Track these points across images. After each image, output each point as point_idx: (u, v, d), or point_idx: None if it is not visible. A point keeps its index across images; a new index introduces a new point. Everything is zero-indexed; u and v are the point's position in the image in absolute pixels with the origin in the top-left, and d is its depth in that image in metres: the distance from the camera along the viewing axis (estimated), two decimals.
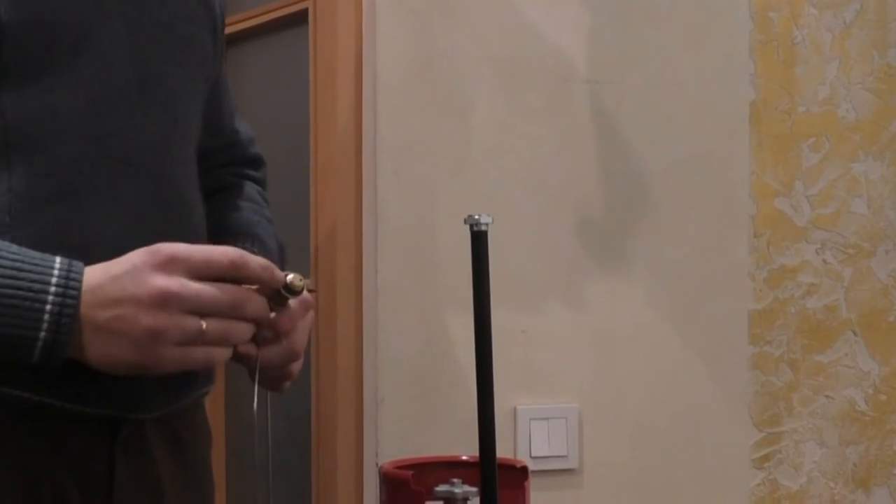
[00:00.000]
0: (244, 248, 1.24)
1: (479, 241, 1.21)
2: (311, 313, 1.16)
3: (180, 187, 1.17)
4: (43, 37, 1.03)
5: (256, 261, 1.01)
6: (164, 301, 0.96)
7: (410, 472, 1.31)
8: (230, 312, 1.00)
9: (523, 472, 1.36)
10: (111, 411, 1.08)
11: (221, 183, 1.36)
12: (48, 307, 0.94)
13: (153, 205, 1.11)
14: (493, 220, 1.23)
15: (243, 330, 1.02)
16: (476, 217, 1.21)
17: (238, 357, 1.11)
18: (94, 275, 0.97)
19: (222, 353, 1.02)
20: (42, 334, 0.94)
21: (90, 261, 1.00)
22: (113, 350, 0.97)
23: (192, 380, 1.18)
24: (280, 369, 1.14)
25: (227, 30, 2.14)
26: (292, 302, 1.07)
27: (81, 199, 1.05)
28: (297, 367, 1.17)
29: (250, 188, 1.40)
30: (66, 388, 1.03)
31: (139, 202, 1.10)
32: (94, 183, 1.06)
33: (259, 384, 1.13)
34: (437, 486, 1.29)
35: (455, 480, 1.29)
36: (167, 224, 1.12)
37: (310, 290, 1.85)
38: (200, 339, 0.99)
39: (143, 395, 1.10)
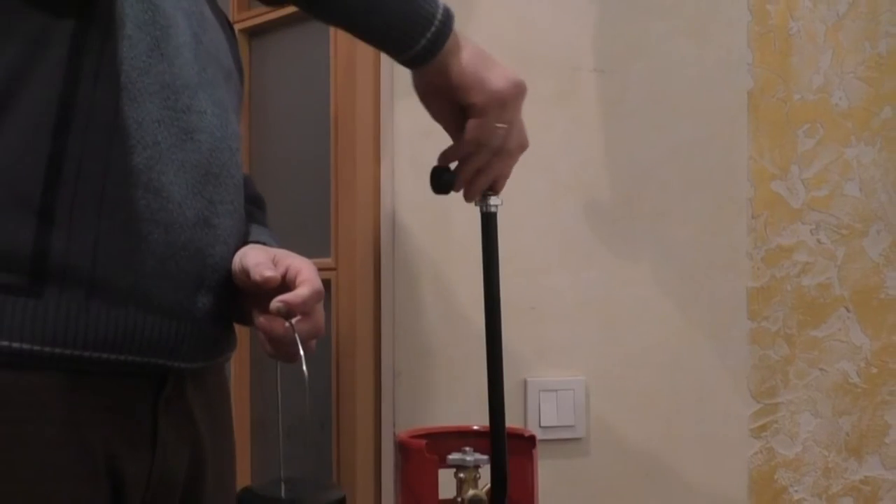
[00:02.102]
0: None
1: (489, 221, 1.19)
2: (320, 303, 1.23)
3: (230, 170, 1.24)
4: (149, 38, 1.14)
5: None
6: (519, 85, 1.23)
7: (425, 441, 1.30)
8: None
9: (531, 441, 1.34)
10: (155, 359, 1.12)
11: None
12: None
13: (208, 175, 1.18)
14: (502, 201, 1.21)
15: None
16: (487, 199, 1.19)
17: (274, 334, 1.15)
18: None
19: None
20: (440, 12, 1.14)
21: (165, 205, 1.12)
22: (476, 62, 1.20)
23: (225, 338, 1.24)
24: (305, 344, 1.19)
25: (252, 22, 2.13)
26: (306, 290, 1.16)
27: (163, 151, 1.12)
28: (314, 344, 1.24)
29: (262, 221, 1.45)
30: (111, 343, 1.07)
31: (198, 170, 1.17)
32: (170, 142, 1.14)
33: (281, 358, 1.16)
34: (449, 454, 1.28)
35: (467, 449, 1.28)
36: (217, 194, 1.20)
37: (330, 269, 1.86)
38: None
39: (183, 345, 1.15)
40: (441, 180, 1.26)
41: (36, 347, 1.04)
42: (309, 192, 2.00)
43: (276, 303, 1.15)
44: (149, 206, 1.10)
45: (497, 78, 1.21)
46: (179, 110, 1.16)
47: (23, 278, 1.04)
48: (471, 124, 1.21)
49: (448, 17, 1.16)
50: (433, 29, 1.14)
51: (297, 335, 1.15)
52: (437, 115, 1.26)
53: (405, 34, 1.13)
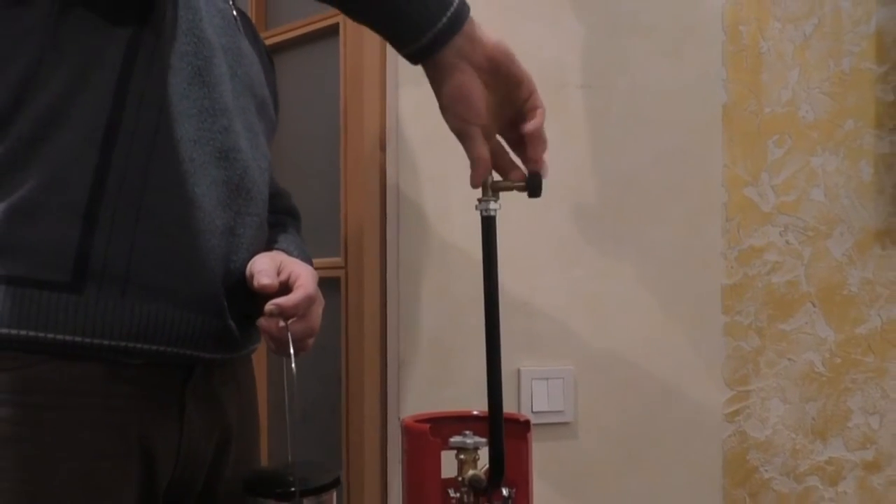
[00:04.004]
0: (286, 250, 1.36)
1: (488, 224, 1.19)
2: (318, 303, 1.25)
3: (259, 186, 1.27)
4: (190, 67, 1.17)
5: None
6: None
7: (428, 425, 1.29)
8: None
9: (526, 425, 1.33)
10: (183, 350, 1.14)
11: (270, 220, 1.41)
12: None
13: (239, 190, 1.22)
14: (500, 206, 1.21)
15: None
16: (486, 203, 1.19)
17: (271, 333, 1.17)
18: None
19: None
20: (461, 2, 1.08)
21: (196, 213, 1.14)
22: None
23: (248, 333, 1.25)
24: (300, 342, 1.22)
25: (268, 41, 2.12)
26: (298, 295, 1.18)
27: (197, 167, 1.15)
28: (311, 341, 1.27)
29: (293, 230, 1.47)
30: (143, 334, 1.10)
31: (230, 185, 1.21)
32: (204, 159, 1.16)
33: (280, 353, 1.17)
34: (451, 437, 1.28)
35: (467, 432, 1.27)
36: (244, 207, 1.23)
37: (340, 267, 1.85)
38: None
39: (209, 338, 1.17)
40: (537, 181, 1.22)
41: (77, 339, 1.08)
42: (321, 197, 2.00)
43: (269, 305, 1.17)
44: (182, 215, 1.13)
45: None
46: (216, 131, 1.19)
47: (66, 276, 1.07)
48: (537, 96, 1.14)
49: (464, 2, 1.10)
50: (456, 3, 1.08)
51: (289, 335, 1.16)
52: (475, 98, 1.12)
53: (431, 8, 1.06)
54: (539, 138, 1.15)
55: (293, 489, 1.07)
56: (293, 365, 1.14)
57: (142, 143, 1.10)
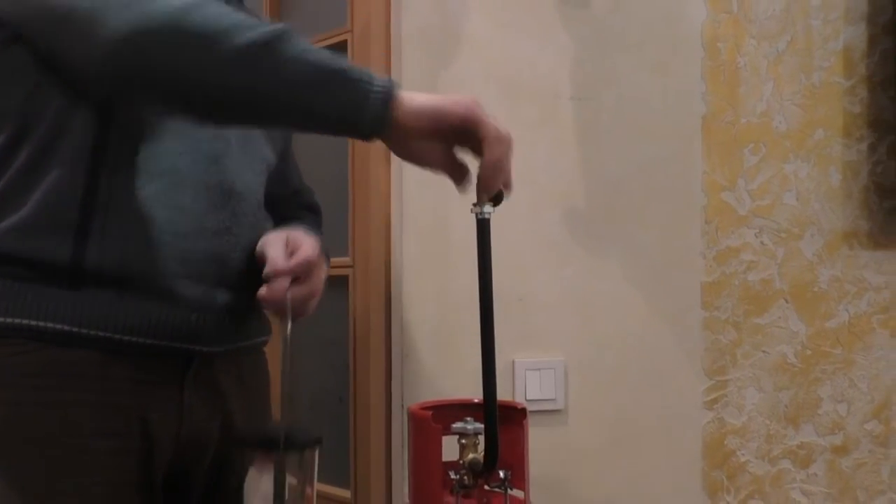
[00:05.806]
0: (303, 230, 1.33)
1: (483, 226, 1.20)
2: (319, 267, 1.24)
3: (251, 188, 1.26)
4: None
5: None
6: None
7: (431, 412, 1.30)
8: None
9: (523, 412, 1.34)
10: (179, 344, 1.14)
11: (289, 215, 1.41)
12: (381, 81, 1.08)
13: (232, 192, 1.20)
14: (494, 209, 1.22)
15: None
16: (481, 207, 1.20)
17: (266, 301, 1.18)
18: None
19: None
20: (379, 88, 1.08)
21: (183, 219, 1.13)
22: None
23: (245, 326, 1.25)
24: (302, 305, 1.21)
25: None
26: (300, 256, 1.18)
27: (184, 176, 1.14)
28: (313, 303, 1.24)
29: (309, 223, 1.44)
30: (139, 329, 1.11)
31: (221, 188, 1.18)
32: (190, 167, 1.15)
33: (284, 315, 1.17)
34: (452, 423, 1.29)
35: (467, 419, 1.28)
36: (241, 208, 1.21)
37: (348, 266, 1.85)
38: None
39: (204, 333, 1.17)
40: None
41: (75, 329, 1.08)
42: (329, 200, 2.00)
43: (267, 269, 1.18)
44: (171, 221, 1.13)
45: (451, 95, 1.15)
46: (204, 140, 1.18)
47: (63, 280, 1.08)
48: (490, 128, 1.15)
49: (390, 80, 1.11)
50: (379, 86, 1.09)
51: (287, 295, 1.16)
52: (432, 158, 1.18)
53: (358, 102, 1.08)
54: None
55: (279, 442, 1.08)
56: (289, 329, 1.13)
57: (125, 162, 1.11)
